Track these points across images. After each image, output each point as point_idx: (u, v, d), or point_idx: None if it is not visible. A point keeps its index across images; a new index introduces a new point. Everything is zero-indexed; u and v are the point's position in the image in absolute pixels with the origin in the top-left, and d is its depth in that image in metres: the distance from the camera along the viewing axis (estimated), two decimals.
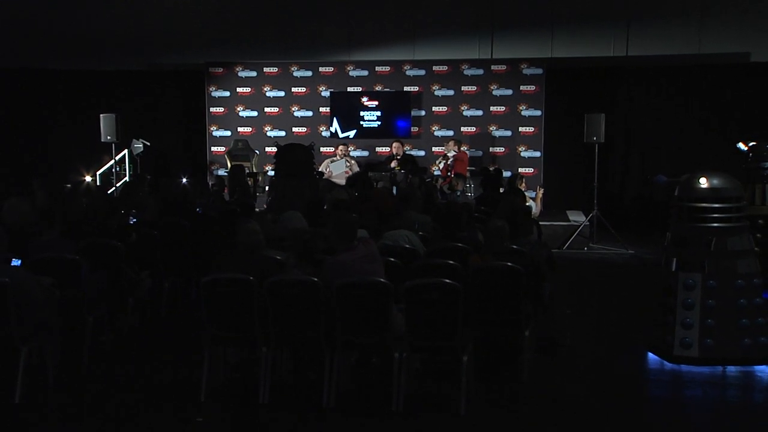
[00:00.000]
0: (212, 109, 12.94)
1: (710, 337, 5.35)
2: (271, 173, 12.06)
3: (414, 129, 12.57)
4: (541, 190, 10.87)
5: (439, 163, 11.50)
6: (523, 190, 9.71)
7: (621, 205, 12.41)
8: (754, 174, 7.80)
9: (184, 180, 9.44)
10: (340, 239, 4.79)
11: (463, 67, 12.49)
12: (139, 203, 7.21)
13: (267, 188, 9.87)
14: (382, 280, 4.51)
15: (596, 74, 12.50)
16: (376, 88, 12.66)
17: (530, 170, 12.22)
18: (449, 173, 10.93)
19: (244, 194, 9.23)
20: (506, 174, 11.19)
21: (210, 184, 9.94)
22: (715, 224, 5.41)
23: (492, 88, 12.42)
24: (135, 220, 6.82)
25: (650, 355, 5.62)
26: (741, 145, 8.21)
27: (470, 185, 10.47)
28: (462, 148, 11.67)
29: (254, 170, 11.69)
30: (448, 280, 4.50)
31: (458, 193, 9.21)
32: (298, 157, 8.81)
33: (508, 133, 12.43)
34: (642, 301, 6.80)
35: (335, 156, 11.75)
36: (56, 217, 5.81)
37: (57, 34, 12.75)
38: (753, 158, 7.84)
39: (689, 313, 5.37)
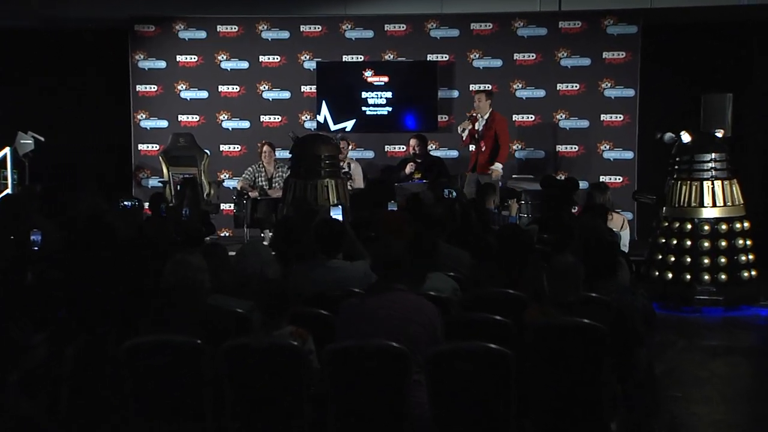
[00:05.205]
0: (139, 88, 13.12)
1: None
2: (230, 183, 12.36)
3: (442, 118, 12.70)
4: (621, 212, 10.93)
5: (463, 131, 11.51)
6: (608, 209, 9.76)
7: (762, 230, 12.29)
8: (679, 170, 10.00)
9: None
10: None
11: (516, 24, 12.66)
12: (32, 227, 7.30)
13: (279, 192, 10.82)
14: (395, 344, 4.57)
15: (719, 34, 12.61)
16: (386, 57, 12.85)
17: (618, 179, 12.33)
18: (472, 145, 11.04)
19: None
20: (582, 185, 11.26)
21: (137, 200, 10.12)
22: None
23: (560, 56, 12.58)
24: (36, 248, 6.93)
25: None
26: (685, 135, 9.95)
27: (527, 202, 10.51)
28: None
29: (204, 179, 11.81)
30: (492, 345, 4.56)
31: (505, 213, 9.28)
32: (318, 152, 9.72)
33: (585, 123, 12.57)
34: None
35: None
36: None
37: None
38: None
39: None
